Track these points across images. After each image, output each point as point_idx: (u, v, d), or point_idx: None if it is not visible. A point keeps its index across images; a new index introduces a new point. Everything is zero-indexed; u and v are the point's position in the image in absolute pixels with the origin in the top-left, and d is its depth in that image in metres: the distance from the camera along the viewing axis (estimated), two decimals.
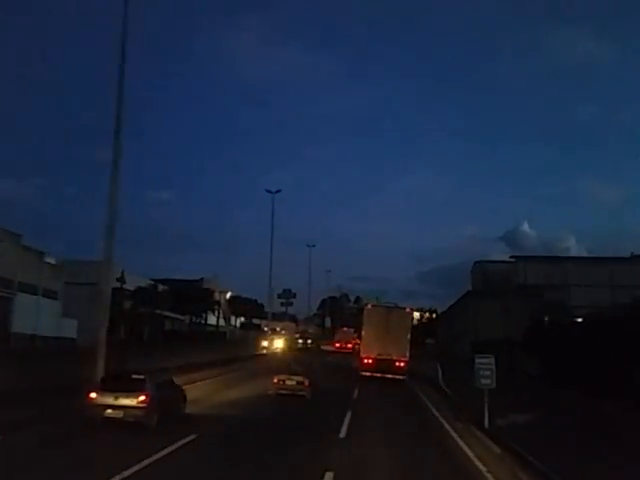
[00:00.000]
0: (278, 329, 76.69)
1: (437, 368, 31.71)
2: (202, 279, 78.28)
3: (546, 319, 37.09)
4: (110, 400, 13.72)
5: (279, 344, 63.02)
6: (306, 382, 22.31)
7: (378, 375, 28.62)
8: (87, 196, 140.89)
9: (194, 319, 71.26)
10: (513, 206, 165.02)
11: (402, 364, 28.89)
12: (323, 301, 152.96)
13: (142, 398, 13.74)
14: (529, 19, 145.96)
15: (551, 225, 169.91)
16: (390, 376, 28.39)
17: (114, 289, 56.61)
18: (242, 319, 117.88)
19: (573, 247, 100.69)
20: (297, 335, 75.95)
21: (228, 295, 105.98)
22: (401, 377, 28.76)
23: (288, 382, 22.33)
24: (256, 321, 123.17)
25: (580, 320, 33.19)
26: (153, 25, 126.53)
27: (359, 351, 32.36)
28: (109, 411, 13.68)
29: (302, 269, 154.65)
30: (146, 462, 10.54)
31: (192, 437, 13.23)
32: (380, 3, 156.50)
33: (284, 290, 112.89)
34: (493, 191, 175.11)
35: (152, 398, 13.92)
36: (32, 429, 13.46)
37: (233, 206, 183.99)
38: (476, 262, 62.57)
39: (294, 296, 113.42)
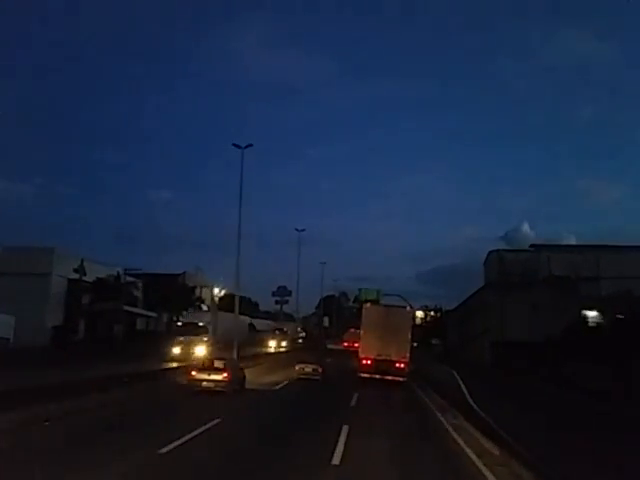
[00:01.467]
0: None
1: (455, 376, 23.64)
2: (184, 273, 70.06)
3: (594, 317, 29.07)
4: (205, 376, 20.96)
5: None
6: (319, 369, 28.92)
7: (377, 377, 27.54)
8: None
9: (174, 317, 63.23)
10: (513, 206, 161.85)
11: (402, 365, 27.79)
12: (321, 300, 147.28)
13: (225, 375, 21.05)
14: (530, 19, 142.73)
15: (551, 225, 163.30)
16: (390, 378, 27.43)
17: (71, 281, 49.07)
18: None
19: None
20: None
21: (222, 292, 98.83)
22: (401, 379, 27.73)
23: (306, 369, 28.85)
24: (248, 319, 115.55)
25: None
26: (154, 25, 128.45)
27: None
28: (205, 383, 20.87)
29: (304, 271, 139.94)
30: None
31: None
32: (381, 3, 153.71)
33: (279, 287, 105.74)
34: (493, 191, 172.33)
35: (231, 376, 21.42)
36: None
37: (233, 206, 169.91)
38: (491, 251, 54.42)
39: (289, 294, 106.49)
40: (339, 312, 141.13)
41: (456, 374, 23.43)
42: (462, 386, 20.83)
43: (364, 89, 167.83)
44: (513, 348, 35.59)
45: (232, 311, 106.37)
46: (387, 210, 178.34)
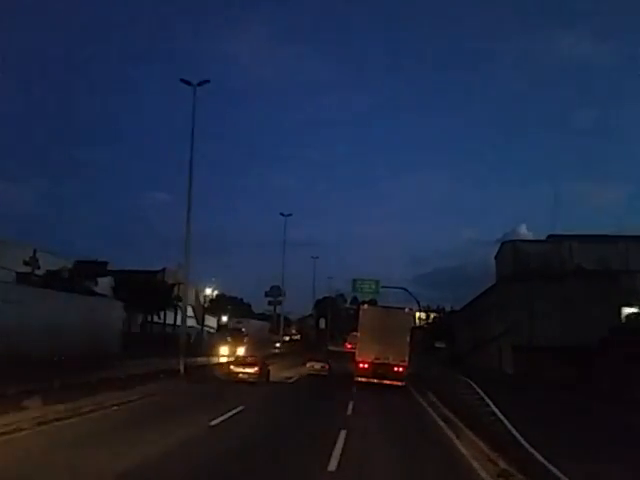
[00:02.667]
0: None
1: (477, 391, 16.95)
2: (164, 270, 63.34)
3: None
4: (241, 369, 26.07)
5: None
6: (327, 366, 34.02)
7: (375, 381, 26.78)
8: None
9: (149, 318, 56.62)
10: (511, 208, 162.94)
11: (401, 369, 27.11)
12: (318, 302, 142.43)
13: (256, 369, 26.11)
14: (529, 22, 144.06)
15: (549, 227, 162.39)
16: (388, 382, 26.69)
17: (20, 275, 42.61)
18: (225, 319, 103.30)
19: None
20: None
21: (213, 293, 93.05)
22: (400, 383, 26.97)
23: (315, 366, 34.04)
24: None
25: None
26: (156, 26, 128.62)
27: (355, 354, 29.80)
28: (240, 375, 25.84)
29: (300, 273, 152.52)
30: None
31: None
32: (380, 5, 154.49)
33: (272, 287, 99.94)
34: (491, 193, 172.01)
35: (261, 369, 26.55)
36: None
37: (232, 210, 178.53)
38: (505, 243, 47.97)
39: (283, 294, 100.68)
40: (336, 314, 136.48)
41: (478, 388, 16.92)
42: (498, 413, 13.95)
43: (364, 89, 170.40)
44: (542, 353, 29.10)
45: (222, 313, 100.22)
46: (384, 213, 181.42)
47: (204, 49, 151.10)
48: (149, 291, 55.28)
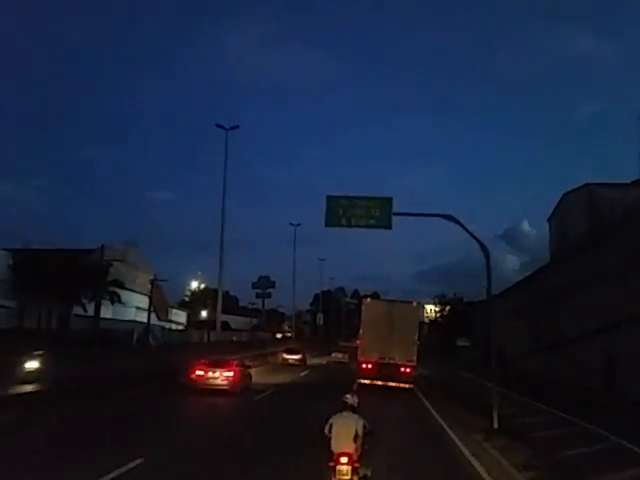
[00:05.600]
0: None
1: None
2: (102, 248, 47.59)
3: None
4: (290, 356, 41.00)
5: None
6: (346, 356, 42.17)
7: (380, 383, 23.90)
8: None
9: (70, 311, 41.24)
10: (512, 204, 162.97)
11: (408, 370, 24.04)
12: (316, 296, 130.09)
13: (300, 356, 41.29)
14: (531, 16, 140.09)
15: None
16: (394, 384, 23.74)
17: None
18: (205, 314, 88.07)
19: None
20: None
21: (201, 286, 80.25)
22: (407, 386, 23.80)
23: (338, 356, 43.87)
24: (222, 317, 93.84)
25: None
26: (159, 26, 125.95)
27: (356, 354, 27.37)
28: (290, 360, 40.65)
29: (299, 270, 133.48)
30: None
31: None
32: (381, 2, 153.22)
33: (260, 277, 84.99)
34: (492, 189, 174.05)
35: (304, 357, 41.68)
36: None
37: (235, 207, 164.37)
38: (569, 193, 32.14)
39: (273, 285, 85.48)
40: (336, 309, 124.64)
41: None
42: None
43: (364, 88, 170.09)
44: None
45: (206, 306, 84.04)
46: None
47: (202, 47, 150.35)
48: (71, 274, 39.84)
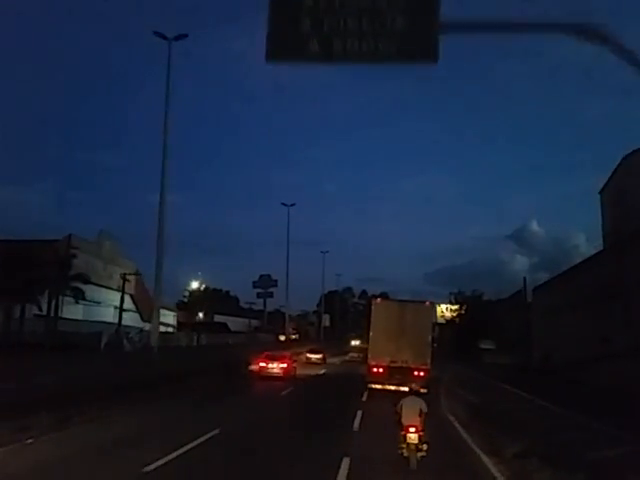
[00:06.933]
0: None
1: None
2: (69, 237, 41.04)
3: None
4: (313, 355, 44.02)
5: None
6: (361, 355, 37.46)
7: (392, 388, 21.67)
8: None
9: (15, 309, 34.76)
10: (521, 204, 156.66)
11: (422, 373, 22.40)
12: (322, 297, 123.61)
13: (322, 356, 43.99)
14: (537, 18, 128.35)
15: (560, 223, 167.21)
16: (407, 389, 16.70)
17: None
18: (201, 316, 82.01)
19: (582, 245, 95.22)
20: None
21: (202, 286, 75.39)
22: (421, 390, 17.75)
23: (354, 355, 46.60)
24: (220, 318, 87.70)
25: None
26: (162, 27, 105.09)
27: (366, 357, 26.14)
28: (313, 360, 43.15)
29: (305, 272, 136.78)
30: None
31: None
32: None
33: (261, 276, 79.93)
34: (500, 189, 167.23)
35: (325, 357, 44.69)
36: None
37: (238, 208, 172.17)
38: (629, 154, 25.15)
39: (275, 284, 79.87)
40: (343, 309, 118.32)
41: None
42: None
43: (368, 90, 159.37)
44: None
45: (203, 307, 76.83)
46: (394, 211, 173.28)
47: (204, 49, 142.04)
48: (21, 267, 33.45)
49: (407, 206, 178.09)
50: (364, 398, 20.44)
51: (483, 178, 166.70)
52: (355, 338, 62.70)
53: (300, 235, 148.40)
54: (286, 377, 26.93)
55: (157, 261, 27.84)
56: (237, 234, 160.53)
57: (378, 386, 22.89)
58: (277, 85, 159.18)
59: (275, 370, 27.30)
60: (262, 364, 27.74)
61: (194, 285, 77.32)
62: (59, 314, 37.20)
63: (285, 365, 27.82)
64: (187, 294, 76.79)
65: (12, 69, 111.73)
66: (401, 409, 9.61)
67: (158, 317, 29.83)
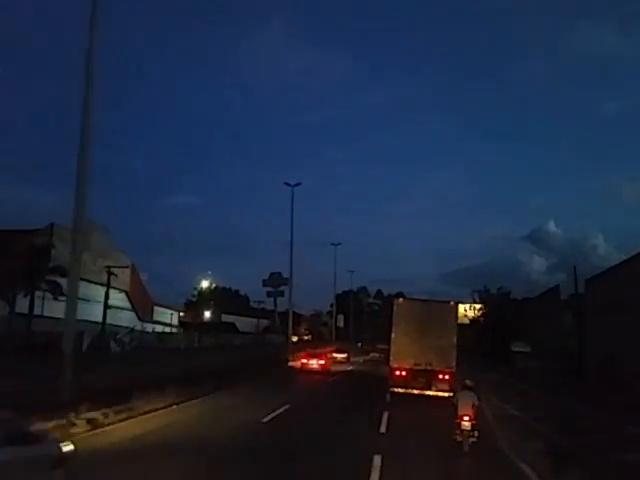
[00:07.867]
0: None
1: None
2: (51, 226, 36.86)
3: None
4: (338, 354, 47.44)
5: None
6: (382, 355, 42.74)
7: (415, 392, 21.64)
8: None
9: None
10: (538, 205, 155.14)
11: (447, 376, 21.77)
12: (337, 297, 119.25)
13: (346, 355, 49.08)
14: (551, 15, 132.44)
15: (577, 224, 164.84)
16: (432, 393, 21.73)
17: None
18: (208, 315, 78.53)
19: (601, 246, 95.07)
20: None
21: (212, 286, 75.43)
22: (446, 394, 21.07)
23: (375, 355, 51.77)
24: (229, 318, 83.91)
25: None
26: (166, 27, 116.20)
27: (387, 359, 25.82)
28: (338, 359, 46.38)
29: (320, 272, 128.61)
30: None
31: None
32: (397, 4, 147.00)
33: (271, 274, 74.71)
34: (517, 190, 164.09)
35: (349, 356, 49.23)
36: None
37: (252, 208, 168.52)
38: None
39: (285, 282, 74.71)
40: (357, 309, 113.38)
41: None
42: None
43: (383, 89, 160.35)
44: None
45: (214, 305, 72.91)
46: (409, 211, 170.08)
47: (221, 50, 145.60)
48: None
49: (423, 206, 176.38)
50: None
51: (500, 178, 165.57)
52: (375, 350, 59.44)
53: (314, 236, 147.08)
54: (323, 371, 33.44)
55: (76, 198, 15.50)
56: (250, 234, 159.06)
57: (401, 390, 22.37)
58: (289, 85, 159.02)
59: (315, 365, 34.10)
60: (304, 360, 35.15)
61: (204, 284, 73.69)
62: (41, 312, 33.15)
63: (323, 362, 34.84)
64: (196, 293, 73.40)
65: None
66: (457, 401, 11.88)
67: (75, 298, 15.43)
